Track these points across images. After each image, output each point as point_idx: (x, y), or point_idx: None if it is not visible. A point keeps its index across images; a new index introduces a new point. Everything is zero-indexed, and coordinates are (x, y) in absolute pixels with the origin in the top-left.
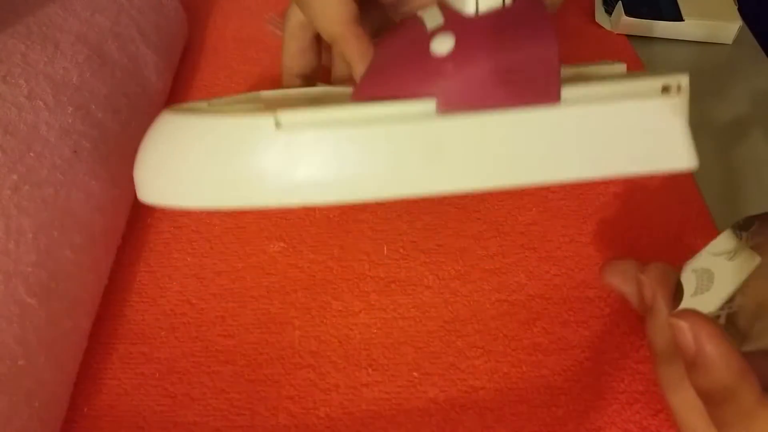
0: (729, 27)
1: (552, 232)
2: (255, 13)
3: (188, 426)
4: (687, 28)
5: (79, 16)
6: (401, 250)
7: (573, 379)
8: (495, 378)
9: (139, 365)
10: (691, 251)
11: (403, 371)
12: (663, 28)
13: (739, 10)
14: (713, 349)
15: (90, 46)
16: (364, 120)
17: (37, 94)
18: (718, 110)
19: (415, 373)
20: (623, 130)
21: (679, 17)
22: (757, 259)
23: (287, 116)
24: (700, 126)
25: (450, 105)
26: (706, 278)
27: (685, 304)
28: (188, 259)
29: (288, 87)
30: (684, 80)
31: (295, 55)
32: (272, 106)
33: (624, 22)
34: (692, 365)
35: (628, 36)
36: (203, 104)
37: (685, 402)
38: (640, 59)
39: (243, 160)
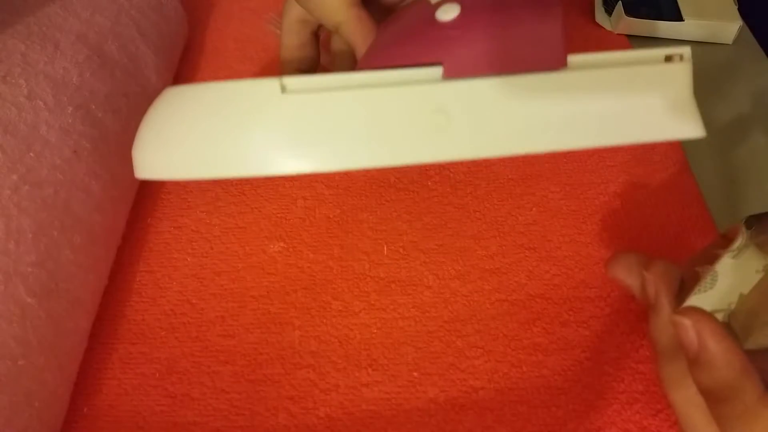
0: (729, 27)
1: (552, 232)
2: (255, 13)
3: (188, 426)
4: (687, 28)
5: (79, 16)
6: (401, 250)
7: (573, 379)
8: (495, 378)
9: (139, 365)
10: (691, 251)
11: (403, 371)
12: (663, 28)
13: (739, 10)
14: (716, 347)
15: (90, 46)
16: (369, 84)
17: (37, 94)
18: (718, 110)
19: (415, 373)
20: (628, 95)
21: (679, 17)
22: (762, 258)
23: (292, 81)
24: None
25: (456, 71)
26: (710, 276)
27: (688, 302)
28: (188, 259)
29: None
30: (686, 51)
31: (294, 50)
32: None
33: (624, 22)
34: (695, 362)
35: (628, 36)
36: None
37: (687, 399)
38: None
39: (247, 125)
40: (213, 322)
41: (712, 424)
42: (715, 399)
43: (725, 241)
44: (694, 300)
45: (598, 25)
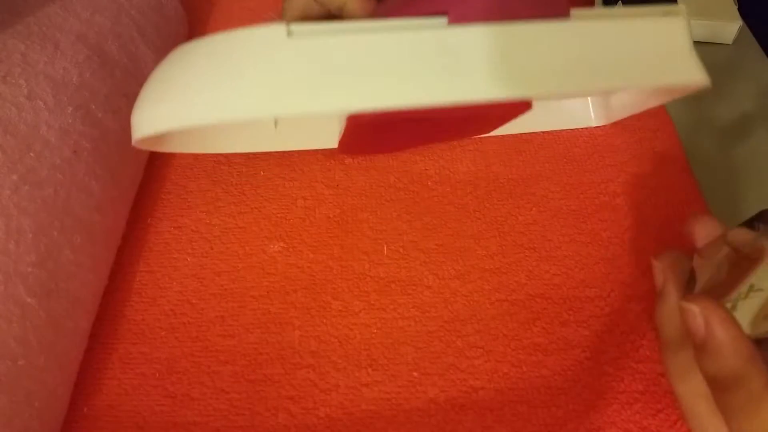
0: (729, 27)
1: (552, 232)
2: (255, 13)
3: (188, 426)
4: None
5: (79, 16)
6: (401, 250)
7: (573, 379)
8: (495, 378)
9: (139, 365)
10: (691, 252)
11: (403, 371)
12: None
13: (739, 10)
14: (723, 334)
15: (90, 46)
16: (376, 29)
17: (37, 94)
18: (718, 110)
19: (415, 373)
20: (630, 43)
21: None
22: None
23: (299, 26)
24: (700, 126)
25: (461, 18)
26: (720, 267)
27: (697, 291)
28: (188, 259)
29: None
30: (682, 8)
31: None
32: None
33: None
34: (702, 349)
35: None
36: None
37: (692, 390)
38: None
39: (253, 69)
40: (213, 322)
41: (717, 415)
42: (720, 387)
43: (736, 234)
44: (703, 290)
45: None
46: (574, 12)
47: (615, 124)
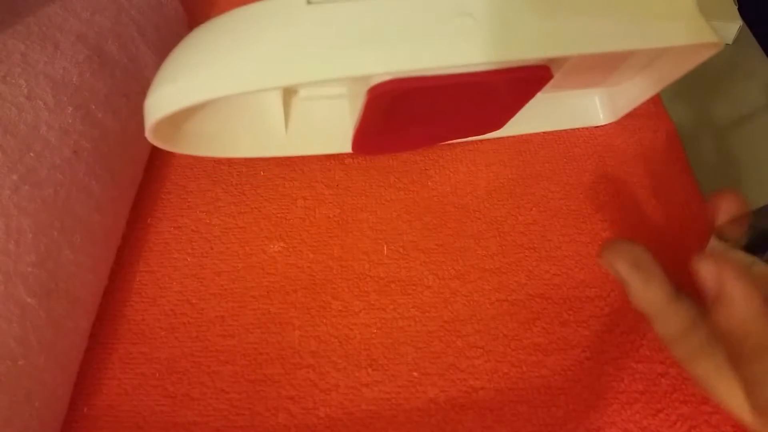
0: (729, 27)
1: (552, 232)
2: None
3: (188, 426)
4: None
5: (79, 16)
6: (401, 250)
7: (573, 379)
8: (495, 378)
9: (139, 365)
10: (691, 251)
11: (403, 371)
12: None
13: (739, 10)
14: (736, 284)
15: (90, 46)
16: None
17: (37, 94)
18: (718, 110)
19: (415, 373)
20: (640, 5)
21: None
22: None
23: None
24: (700, 126)
25: None
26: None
27: None
28: (188, 259)
29: None
30: None
31: None
32: None
33: None
34: (716, 302)
35: None
36: None
37: (707, 369)
38: None
39: (275, 37)
40: (213, 322)
41: (732, 384)
42: (734, 339)
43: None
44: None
45: None
46: None
47: (615, 124)
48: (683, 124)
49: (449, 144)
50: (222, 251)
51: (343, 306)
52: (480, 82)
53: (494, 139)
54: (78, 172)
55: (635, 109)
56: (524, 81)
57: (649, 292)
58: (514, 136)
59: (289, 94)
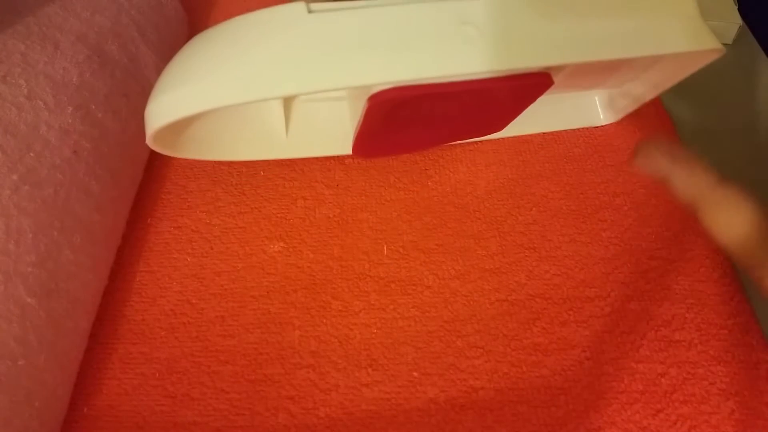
0: (729, 27)
1: (552, 232)
2: None
3: (188, 426)
4: None
5: (79, 16)
6: (401, 250)
7: (573, 379)
8: (495, 378)
9: (139, 365)
10: (691, 251)
11: (403, 371)
12: None
13: (739, 10)
14: (679, 160)
15: (90, 46)
16: (394, 1)
17: (37, 94)
18: (717, 110)
19: (415, 373)
20: (643, 12)
21: None
22: None
23: (318, 3)
24: (700, 126)
25: None
26: None
27: None
28: (188, 259)
29: None
30: None
31: None
32: None
33: None
34: (667, 181)
35: None
36: None
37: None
38: None
39: (276, 47)
40: (213, 322)
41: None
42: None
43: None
44: None
45: None
46: None
47: (615, 124)
48: (683, 124)
49: (449, 144)
50: (222, 251)
51: (343, 306)
52: (481, 89)
53: (494, 139)
54: (78, 172)
55: (635, 109)
56: (525, 88)
57: (695, 176)
58: (514, 137)
59: (289, 96)
